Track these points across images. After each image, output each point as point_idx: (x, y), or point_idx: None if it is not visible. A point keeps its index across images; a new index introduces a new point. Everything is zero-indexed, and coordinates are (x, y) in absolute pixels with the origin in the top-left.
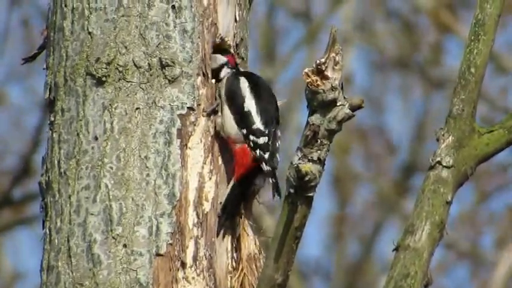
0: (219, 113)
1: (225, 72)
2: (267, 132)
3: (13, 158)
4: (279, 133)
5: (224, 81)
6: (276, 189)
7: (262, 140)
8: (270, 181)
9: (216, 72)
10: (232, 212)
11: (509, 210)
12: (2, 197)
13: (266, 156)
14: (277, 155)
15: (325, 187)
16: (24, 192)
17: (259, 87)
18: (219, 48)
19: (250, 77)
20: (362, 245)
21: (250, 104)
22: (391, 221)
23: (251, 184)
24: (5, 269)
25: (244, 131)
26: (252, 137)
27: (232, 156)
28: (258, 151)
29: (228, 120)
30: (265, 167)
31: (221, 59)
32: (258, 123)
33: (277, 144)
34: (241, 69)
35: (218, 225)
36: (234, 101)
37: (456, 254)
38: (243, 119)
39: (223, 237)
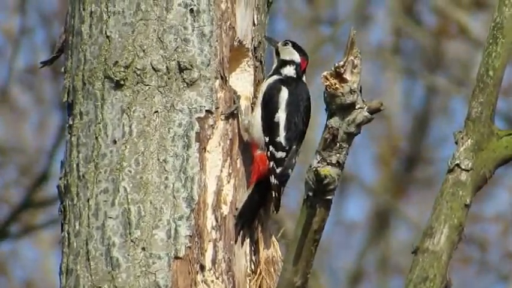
0: (249, 113)
1: (286, 71)
2: (287, 148)
3: (33, 162)
4: (299, 149)
5: (267, 83)
6: (277, 204)
7: (279, 155)
8: (273, 195)
9: (280, 63)
10: (249, 218)
11: None
12: (21, 201)
13: (278, 170)
14: (290, 171)
15: None
16: (44, 196)
17: (297, 101)
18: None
19: (293, 89)
20: None
21: (281, 116)
22: None
23: (269, 190)
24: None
25: (267, 139)
26: (271, 148)
27: (252, 160)
28: (272, 163)
29: (256, 123)
30: (273, 180)
31: (296, 57)
32: (281, 137)
33: (294, 161)
34: (303, 78)
35: (235, 231)
36: (268, 107)
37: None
38: (269, 127)
39: (242, 240)
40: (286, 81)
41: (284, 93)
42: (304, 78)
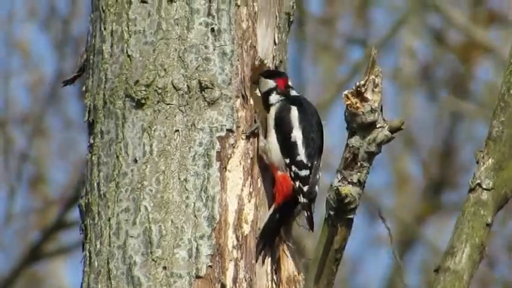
0: (263, 138)
1: (274, 99)
2: (309, 165)
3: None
4: (320, 164)
5: (274, 108)
6: (310, 222)
7: (303, 173)
8: (305, 214)
9: (265, 97)
10: (271, 238)
11: None
12: (55, 221)
13: (305, 189)
14: (316, 187)
15: None
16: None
17: (308, 116)
18: (270, 71)
19: (301, 105)
20: None
21: (297, 135)
22: None
23: (291, 210)
24: None
25: (288, 161)
26: (294, 168)
27: (274, 181)
28: (298, 182)
29: (273, 148)
30: (302, 199)
31: (270, 83)
32: (302, 156)
33: (318, 176)
34: (292, 93)
35: (256, 251)
36: (282, 129)
37: None
38: (288, 148)
39: (263, 259)
40: (293, 101)
41: (294, 112)
42: (295, 92)
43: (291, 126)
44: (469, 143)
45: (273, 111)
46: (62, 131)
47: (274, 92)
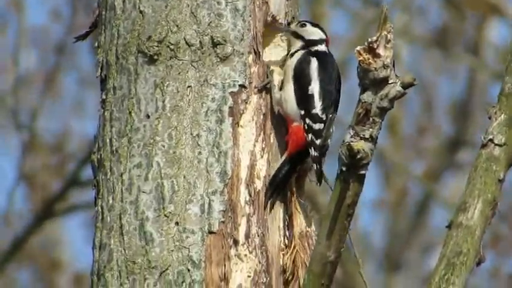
0: (278, 90)
1: (319, 47)
2: (324, 118)
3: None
4: (335, 118)
5: (295, 58)
6: (319, 177)
7: (317, 126)
8: (315, 167)
9: (307, 44)
10: (280, 186)
11: None
12: (70, 178)
13: (317, 142)
14: (329, 141)
15: None
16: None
17: (328, 69)
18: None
19: (322, 58)
20: None
21: (315, 87)
22: None
23: (303, 162)
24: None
25: (303, 112)
26: (308, 121)
27: (287, 132)
28: (310, 135)
29: (289, 99)
30: (313, 152)
31: (321, 34)
32: (317, 108)
33: (331, 130)
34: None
35: (265, 198)
36: (300, 81)
37: None
38: (304, 100)
39: (275, 215)
40: (314, 53)
41: (314, 64)
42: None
43: (310, 78)
44: (483, 102)
45: (292, 61)
46: (75, 87)
47: (323, 43)
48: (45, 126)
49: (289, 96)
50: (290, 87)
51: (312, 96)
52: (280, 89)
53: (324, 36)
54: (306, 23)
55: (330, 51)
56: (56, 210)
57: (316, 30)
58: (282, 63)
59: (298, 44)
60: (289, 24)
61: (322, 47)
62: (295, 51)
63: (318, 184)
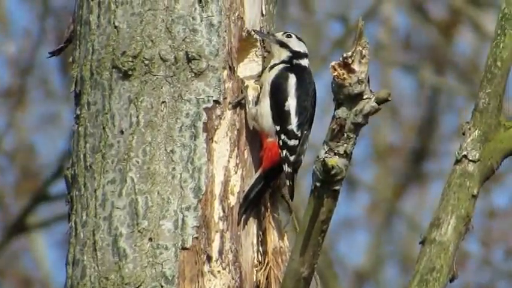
0: (253, 106)
1: (303, 61)
2: (299, 134)
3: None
4: (309, 134)
5: (272, 73)
6: (291, 193)
7: (292, 143)
8: (288, 183)
9: (293, 56)
10: (254, 201)
11: None
12: (38, 193)
13: (291, 159)
14: (302, 157)
15: None
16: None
17: (305, 85)
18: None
19: (300, 74)
20: None
21: (291, 103)
22: None
23: (277, 177)
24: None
25: (278, 128)
26: (283, 137)
27: (262, 147)
28: (285, 151)
29: (265, 114)
30: (286, 169)
31: (305, 48)
32: (293, 125)
33: (305, 146)
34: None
35: (238, 214)
36: (277, 96)
37: None
38: (280, 116)
39: (249, 231)
40: (292, 68)
41: (292, 80)
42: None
43: (287, 95)
44: (449, 114)
45: (270, 76)
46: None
47: (306, 58)
48: (12, 141)
49: (265, 111)
50: (266, 103)
51: (288, 112)
52: (256, 103)
53: (307, 51)
54: (292, 35)
55: (309, 66)
56: (25, 225)
57: (301, 43)
58: (257, 78)
59: (284, 54)
60: (263, 40)
61: (304, 61)
62: (274, 65)
63: (290, 200)
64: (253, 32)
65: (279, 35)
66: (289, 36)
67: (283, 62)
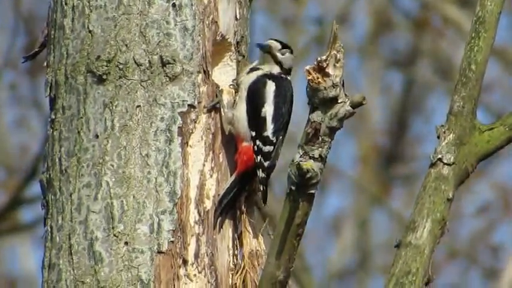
0: (229, 110)
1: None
2: (274, 141)
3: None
4: (284, 139)
5: (250, 77)
6: (264, 197)
7: (267, 149)
8: (261, 188)
9: (282, 72)
10: (229, 205)
11: None
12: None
13: (266, 164)
14: (276, 162)
15: None
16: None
17: (282, 92)
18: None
19: (278, 81)
20: None
21: (268, 109)
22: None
23: (252, 181)
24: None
25: (253, 134)
26: (258, 142)
27: (237, 151)
28: (259, 157)
29: (241, 118)
30: (260, 174)
31: (292, 63)
32: (269, 131)
33: (279, 151)
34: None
35: (214, 217)
36: (254, 102)
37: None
38: (256, 122)
39: (225, 234)
40: (271, 76)
41: (270, 87)
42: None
43: (264, 101)
44: (419, 116)
45: (248, 80)
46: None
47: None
48: None
49: (241, 115)
50: (243, 107)
51: (264, 119)
52: (232, 107)
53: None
54: (287, 50)
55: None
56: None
57: (292, 57)
58: (232, 82)
59: (275, 69)
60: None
61: (288, 72)
62: (254, 69)
63: (263, 204)
64: (256, 47)
65: (276, 51)
66: (283, 53)
67: (267, 73)
